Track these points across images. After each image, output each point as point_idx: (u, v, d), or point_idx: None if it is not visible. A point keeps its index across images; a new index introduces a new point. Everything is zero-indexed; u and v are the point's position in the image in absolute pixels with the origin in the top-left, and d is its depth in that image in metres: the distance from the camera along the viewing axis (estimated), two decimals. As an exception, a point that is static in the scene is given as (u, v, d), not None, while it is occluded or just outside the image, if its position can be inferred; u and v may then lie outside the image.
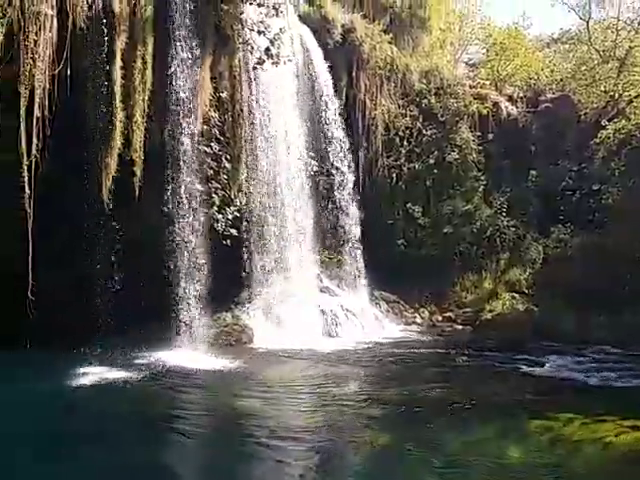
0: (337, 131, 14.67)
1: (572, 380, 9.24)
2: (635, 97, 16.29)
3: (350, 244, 14.50)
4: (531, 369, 9.91)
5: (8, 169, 8.89)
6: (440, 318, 14.56)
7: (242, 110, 12.27)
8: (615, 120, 15.61)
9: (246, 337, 11.21)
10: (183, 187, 10.73)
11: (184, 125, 11.03)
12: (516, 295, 14.04)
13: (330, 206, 14.57)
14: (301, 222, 13.18)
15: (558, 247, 14.62)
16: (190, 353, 9.72)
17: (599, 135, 15.26)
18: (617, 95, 17.16)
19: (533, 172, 16.07)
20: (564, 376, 9.45)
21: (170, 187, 10.61)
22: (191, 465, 6.03)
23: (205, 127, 11.76)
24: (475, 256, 15.40)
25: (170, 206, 10.51)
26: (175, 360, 9.44)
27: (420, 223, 15.76)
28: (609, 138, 15.02)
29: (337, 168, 14.63)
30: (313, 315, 12.24)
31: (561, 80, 18.71)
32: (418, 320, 14.50)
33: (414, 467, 5.86)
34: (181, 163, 10.82)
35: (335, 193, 14.60)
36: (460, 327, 13.92)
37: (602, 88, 17.62)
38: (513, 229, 15.43)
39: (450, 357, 10.90)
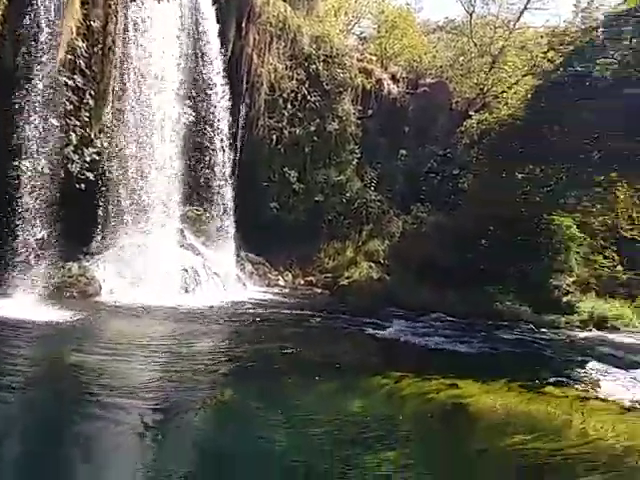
0: (219, 83, 14.08)
1: (410, 343, 10.11)
2: (501, 93, 17.75)
3: (220, 202, 14.22)
4: (376, 332, 10.68)
5: None
6: (302, 282, 15.06)
7: (114, 43, 11.30)
8: (481, 112, 16.93)
9: (93, 289, 10.56)
10: (35, 119, 9.69)
11: (43, 50, 9.89)
12: (373, 265, 14.97)
13: (203, 160, 14.07)
14: (168, 173, 12.55)
15: (415, 224, 15.73)
16: (26, 303, 8.92)
17: (464, 124, 16.46)
18: (486, 89, 18.58)
19: (403, 152, 16.99)
20: (404, 339, 10.31)
21: (19, 118, 9.53)
22: (16, 424, 5.57)
23: (69, 57, 10.66)
24: (341, 225, 16.03)
25: (17, 139, 9.45)
26: (8, 309, 8.61)
27: (295, 189, 15.96)
28: (472, 128, 16.26)
29: (214, 121, 14.10)
30: (172, 271, 11.84)
31: (441, 67, 19.77)
32: (281, 283, 14.85)
33: (260, 422, 5.96)
34: (35, 92, 9.73)
35: (210, 147, 14.12)
36: (319, 291, 14.55)
37: (475, 80, 18.94)
38: (378, 203, 16.27)
39: (306, 318, 11.33)
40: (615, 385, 8.21)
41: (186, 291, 11.80)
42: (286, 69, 16.45)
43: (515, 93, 16.32)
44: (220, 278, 12.70)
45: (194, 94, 13.65)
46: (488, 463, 5.53)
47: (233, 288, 12.95)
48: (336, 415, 6.25)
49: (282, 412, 6.14)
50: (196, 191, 13.85)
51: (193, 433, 5.79)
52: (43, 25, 9.84)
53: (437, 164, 16.83)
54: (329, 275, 15.02)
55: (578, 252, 15.26)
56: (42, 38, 9.94)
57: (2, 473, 4.60)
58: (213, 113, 14.13)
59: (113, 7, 11.51)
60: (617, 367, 9.09)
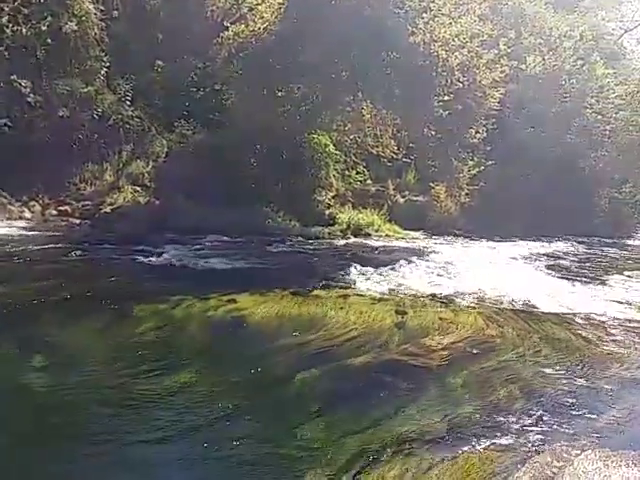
0: None
1: (186, 266, 9.87)
2: (256, 5, 17.32)
3: None
4: (148, 259, 10.08)
5: None
6: (55, 212, 13.03)
7: None
8: (237, 24, 16.32)
9: None
10: None
11: None
12: (138, 188, 13.83)
13: None
14: None
15: (181, 142, 14.90)
16: None
17: (221, 35, 15.73)
18: (241, 0, 17.91)
19: (159, 62, 15.52)
20: (178, 263, 10.00)
21: None
22: None
23: None
24: (96, 145, 14.16)
25: None
26: None
27: (29, 101, 13.26)
28: (229, 40, 15.64)
29: None
30: None
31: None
32: (27, 215, 12.59)
33: (17, 367, 5.28)
34: None
35: None
36: (78, 221, 12.83)
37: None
38: (138, 120, 14.79)
39: (64, 252, 9.97)
40: (368, 282, 9.51)
41: None
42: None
43: (269, 7, 16.13)
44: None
45: None
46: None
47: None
48: (106, 349, 5.92)
49: (41, 356, 5.45)
50: None
51: None
52: None
53: (198, 78, 15.90)
54: (87, 203, 13.27)
55: (336, 169, 16.73)
56: None
57: None
58: None
59: None
60: (368, 267, 10.49)
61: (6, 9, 13.24)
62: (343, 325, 7.12)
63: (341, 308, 7.73)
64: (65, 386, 4.95)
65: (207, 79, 15.90)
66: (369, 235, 15.44)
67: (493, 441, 4.54)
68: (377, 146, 16.35)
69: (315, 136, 15.88)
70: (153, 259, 10.13)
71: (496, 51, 14.95)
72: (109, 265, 9.57)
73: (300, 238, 13.81)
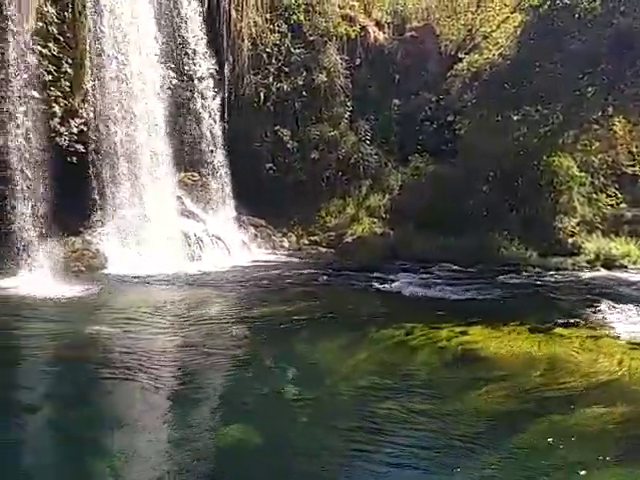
0: (199, 42, 13.56)
1: (418, 295, 10.13)
2: (490, 32, 17.16)
3: (214, 166, 13.93)
4: (383, 286, 10.66)
5: None
6: (306, 242, 14.93)
7: (84, 6, 10.68)
8: (471, 54, 16.39)
9: (98, 262, 10.51)
10: (15, 93, 9.23)
11: (13, 19, 9.34)
12: (375, 220, 14.82)
13: (191, 123, 13.67)
14: (157, 138, 12.18)
15: (414, 175, 15.48)
16: (34, 280, 8.90)
17: (455, 67, 15.98)
18: (474, 29, 17.96)
19: (396, 101, 16.53)
20: (411, 291, 10.32)
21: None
22: (46, 394, 5.72)
23: (40, 24, 10.08)
24: (340, 182, 15.77)
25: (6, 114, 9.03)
26: (17, 288, 8.62)
27: (289, 147, 15.59)
28: (463, 71, 15.77)
29: (198, 82, 13.64)
30: (175, 239, 11.73)
31: (426, 9, 19.02)
32: (285, 244, 14.74)
33: (276, 378, 6.13)
34: (10, 64, 9.24)
35: (196, 109, 13.69)
36: (324, 250, 14.44)
37: (462, 21, 18.30)
38: (376, 157, 15.96)
39: (313, 277, 11.31)
40: (624, 323, 8.21)
41: (191, 258, 11.68)
42: (266, 22, 15.83)
43: (504, 32, 15.78)
44: (224, 243, 12.58)
45: (175, 55, 13.12)
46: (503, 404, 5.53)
47: (237, 252, 12.87)
48: (347, 367, 6.37)
49: (296, 368, 6.29)
50: (188, 156, 13.50)
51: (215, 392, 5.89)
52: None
53: (431, 111, 16.41)
54: (332, 233, 14.85)
55: (580, 192, 15.07)
56: (9, 6, 9.35)
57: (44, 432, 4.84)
58: (196, 74, 13.66)
59: (79, -32, 10.85)
60: (626, 304, 9.04)
61: (272, 70, 15.93)
62: (591, 370, 6.33)
63: (590, 350, 6.87)
64: (310, 397, 5.57)
65: (440, 111, 16.27)
66: (624, 268, 13.34)
67: None
68: (633, 165, 14.30)
69: (555, 158, 14.69)
70: (387, 286, 10.70)
71: None
72: (349, 290, 10.51)
73: (537, 269, 12.73)
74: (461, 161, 14.89)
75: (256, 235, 14.40)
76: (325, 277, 11.30)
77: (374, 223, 14.73)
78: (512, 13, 16.72)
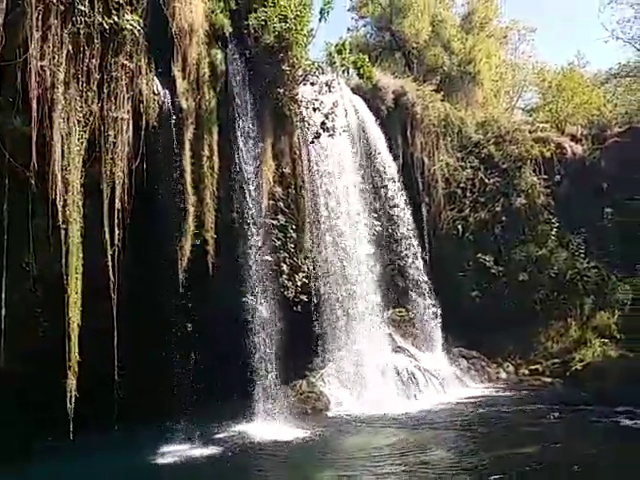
0: (397, 192, 14.91)
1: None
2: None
3: (420, 300, 14.32)
4: (635, 422, 9.07)
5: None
6: (526, 372, 13.77)
7: (303, 182, 12.88)
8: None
9: (322, 404, 11.11)
10: (253, 259, 11.22)
11: (251, 202, 11.69)
12: (607, 341, 13.10)
13: (397, 262, 14.58)
14: (367, 280, 13.12)
15: (647, 286, 13.61)
16: (268, 424, 9.72)
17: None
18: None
19: (608, 210, 15.37)
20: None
21: (241, 261, 11.12)
22: None
23: (271, 202, 12.38)
24: (557, 302, 14.63)
25: (242, 279, 10.96)
26: (254, 433, 9.45)
27: (493, 272, 15.33)
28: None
29: (400, 227, 14.75)
30: (389, 377, 11.97)
31: (626, 113, 18.12)
32: (502, 375, 13.79)
33: None
34: (250, 238, 11.38)
35: (399, 251, 14.64)
36: (549, 380, 13.07)
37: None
38: (595, 270, 14.62)
39: (541, 414, 10.21)
40: None
41: (407, 396, 11.69)
42: (458, 160, 16.78)
43: None
44: (437, 379, 12.37)
45: (377, 207, 14.57)
46: None
47: (452, 388, 12.45)
48: None
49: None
50: (394, 294, 14.20)
51: None
52: (247, 183, 11.67)
53: (652, 214, 14.71)
54: (556, 360, 13.50)
55: None
56: (248, 192, 11.76)
57: None
58: (397, 220, 14.83)
59: (297, 152, 13.29)
60: None
61: (467, 202, 16.39)
62: None
63: None
64: None
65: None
66: None
67: None
68: None
69: None
70: (639, 422, 9.08)
71: None
72: (589, 429, 9.13)
73: None
74: None
75: (469, 367, 13.82)
76: (556, 414, 10.08)
77: (606, 345, 13.01)
78: None
